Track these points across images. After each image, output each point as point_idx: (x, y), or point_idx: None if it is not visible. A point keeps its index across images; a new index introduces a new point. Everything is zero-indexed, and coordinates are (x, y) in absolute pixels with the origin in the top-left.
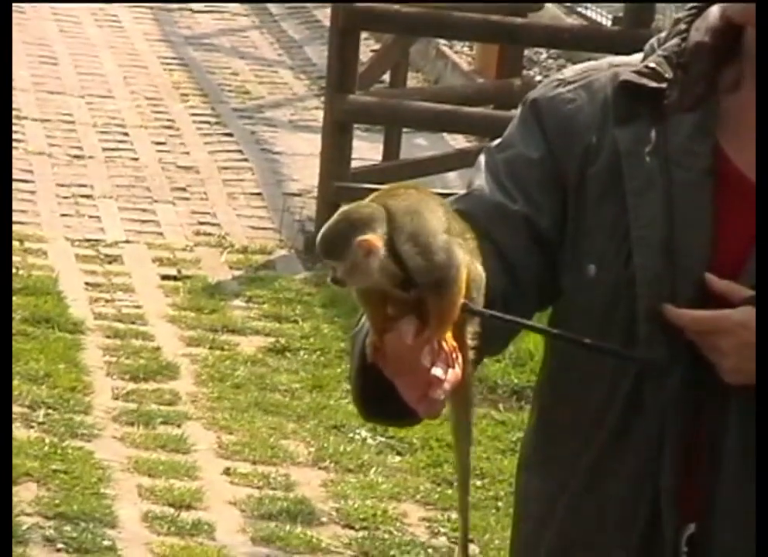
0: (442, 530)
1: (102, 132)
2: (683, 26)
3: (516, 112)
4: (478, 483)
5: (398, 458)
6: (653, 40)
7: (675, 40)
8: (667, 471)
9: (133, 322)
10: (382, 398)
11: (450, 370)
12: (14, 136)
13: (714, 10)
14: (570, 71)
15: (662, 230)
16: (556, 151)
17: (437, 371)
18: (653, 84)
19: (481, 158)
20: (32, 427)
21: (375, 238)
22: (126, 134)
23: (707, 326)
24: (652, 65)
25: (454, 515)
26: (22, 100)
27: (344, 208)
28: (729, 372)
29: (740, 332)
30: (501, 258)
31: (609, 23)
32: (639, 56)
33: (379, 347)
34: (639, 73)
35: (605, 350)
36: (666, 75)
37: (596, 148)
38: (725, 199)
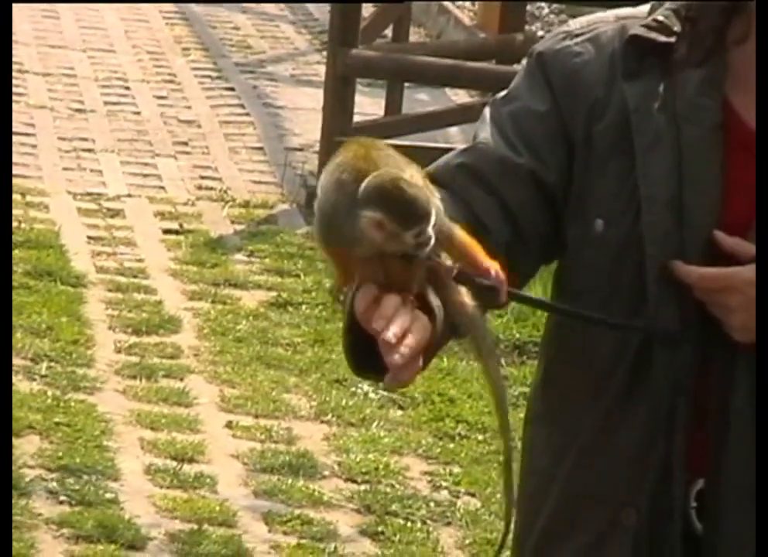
0: (443, 484)
1: (104, 86)
2: None
3: (522, 65)
4: (480, 437)
5: (400, 412)
6: None
7: None
8: (677, 427)
9: (135, 276)
10: (371, 356)
11: (410, 336)
12: (16, 90)
13: None
14: (577, 23)
15: (670, 187)
16: (562, 105)
17: (387, 335)
18: (662, 38)
19: (486, 110)
20: (34, 380)
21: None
22: (128, 88)
23: (715, 283)
24: (660, 18)
25: (456, 469)
26: (23, 54)
27: (391, 177)
28: (737, 330)
29: (748, 289)
30: (505, 211)
31: None
32: (645, 8)
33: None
34: (647, 27)
35: (613, 325)
36: (675, 28)
37: (603, 103)
38: (734, 155)
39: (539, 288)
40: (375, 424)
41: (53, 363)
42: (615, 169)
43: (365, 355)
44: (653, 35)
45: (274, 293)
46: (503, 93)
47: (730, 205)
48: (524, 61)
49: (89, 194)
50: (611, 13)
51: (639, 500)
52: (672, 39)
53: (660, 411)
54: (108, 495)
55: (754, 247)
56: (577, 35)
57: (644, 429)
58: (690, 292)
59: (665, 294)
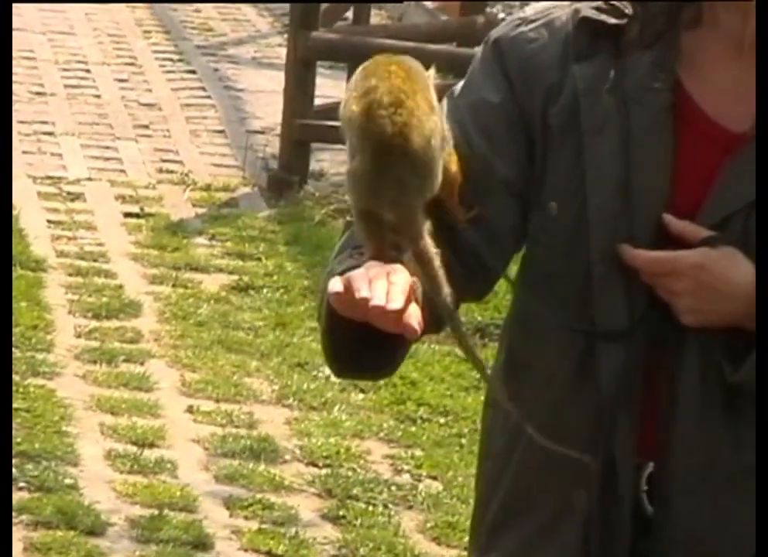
0: (405, 467)
1: (64, 69)
2: None
3: (477, 52)
4: (441, 420)
5: (361, 395)
6: None
7: None
8: (624, 409)
9: (95, 260)
10: (355, 354)
11: (393, 287)
12: None
13: None
14: (532, 9)
15: (618, 169)
16: (518, 91)
17: (362, 293)
18: (613, 20)
19: (444, 105)
20: None
21: None
22: (88, 71)
23: (661, 267)
24: (611, 1)
25: (417, 452)
26: None
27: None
28: (685, 313)
29: (696, 273)
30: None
31: None
32: None
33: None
34: (598, 9)
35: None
36: (626, 11)
37: (558, 87)
38: (685, 137)
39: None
40: (336, 408)
41: (12, 349)
42: (567, 152)
43: (349, 354)
44: (604, 17)
45: (235, 277)
46: (460, 84)
47: (681, 187)
48: (479, 49)
49: (49, 178)
50: None
51: (590, 482)
52: (623, 21)
53: (609, 394)
54: (68, 481)
55: (703, 230)
56: (531, 21)
57: (593, 412)
58: (637, 276)
59: (612, 277)
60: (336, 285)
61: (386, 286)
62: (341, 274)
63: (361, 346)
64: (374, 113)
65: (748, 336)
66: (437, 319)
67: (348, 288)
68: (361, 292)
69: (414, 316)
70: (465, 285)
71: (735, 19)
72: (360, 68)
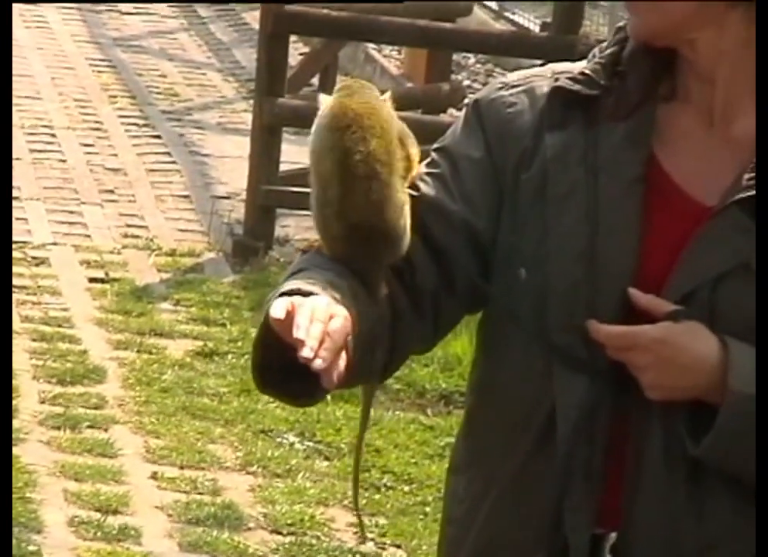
0: (369, 535)
1: (30, 134)
2: (622, 34)
3: (456, 112)
4: (406, 488)
5: (326, 463)
6: (596, 49)
7: (614, 48)
8: (580, 479)
9: (60, 326)
10: (279, 374)
11: (327, 339)
12: None
13: None
14: (515, 75)
15: (583, 239)
16: (495, 151)
17: (305, 352)
18: (587, 91)
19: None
20: None
21: None
22: (54, 135)
23: (624, 342)
24: (587, 72)
25: (382, 520)
26: None
27: None
28: (650, 389)
29: (658, 348)
30: (436, 258)
31: (537, 29)
32: (582, 63)
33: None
34: (573, 79)
35: None
36: (602, 82)
37: (532, 153)
38: (656, 208)
39: (465, 337)
40: (300, 475)
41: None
42: (536, 219)
43: (274, 374)
44: (578, 87)
45: (200, 342)
46: (442, 138)
47: (649, 258)
48: (452, 110)
49: (14, 243)
50: (548, 68)
51: (552, 548)
52: (596, 92)
53: (569, 463)
54: (31, 548)
55: (667, 304)
56: (513, 87)
57: (554, 479)
58: (602, 348)
59: (575, 347)
60: (278, 310)
61: (321, 335)
62: (289, 294)
63: (287, 369)
64: (350, 186)
65: (710, 409)
66: (365, 370)
67: (290, 315)
68: (299, 332)
69: (336, 370)
70: (413, 332)
71: (707, 91)
72: (329, 109)
